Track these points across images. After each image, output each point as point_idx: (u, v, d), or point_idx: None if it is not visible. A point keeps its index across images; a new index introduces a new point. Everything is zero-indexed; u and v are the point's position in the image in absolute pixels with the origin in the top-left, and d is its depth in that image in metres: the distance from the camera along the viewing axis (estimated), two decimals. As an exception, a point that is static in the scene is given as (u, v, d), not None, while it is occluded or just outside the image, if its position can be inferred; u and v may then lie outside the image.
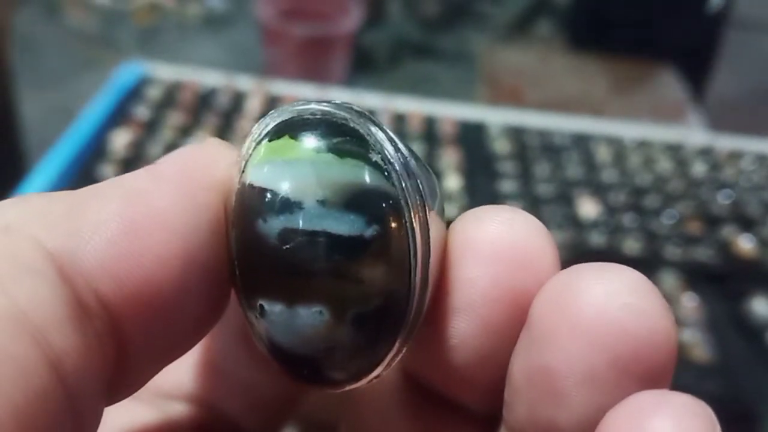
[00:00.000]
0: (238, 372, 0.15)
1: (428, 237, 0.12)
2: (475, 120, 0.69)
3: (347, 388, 0.13)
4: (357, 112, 0.12)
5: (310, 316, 0.12)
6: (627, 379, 0.11)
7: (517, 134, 0.67)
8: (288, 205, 0.12)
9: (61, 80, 1.06)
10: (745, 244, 0.57)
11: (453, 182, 0.60)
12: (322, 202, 0.12)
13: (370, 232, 0.11)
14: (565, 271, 0.11)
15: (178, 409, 0.15)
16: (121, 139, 0.60)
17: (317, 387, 0.13)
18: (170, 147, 0.59)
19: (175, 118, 0.63)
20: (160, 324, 0.11)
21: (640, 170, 0.64)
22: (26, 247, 0.10)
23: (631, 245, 0.56)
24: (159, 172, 0.12)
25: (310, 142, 0.12)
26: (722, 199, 0.62)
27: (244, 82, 0.69)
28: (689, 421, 0.10)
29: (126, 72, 0.69)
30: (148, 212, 0.11)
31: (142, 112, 0.64)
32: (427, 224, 0.12)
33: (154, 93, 0.66)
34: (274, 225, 0.12)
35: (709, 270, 0.55)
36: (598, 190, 0.61)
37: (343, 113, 0.12)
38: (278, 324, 0.12)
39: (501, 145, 0.66)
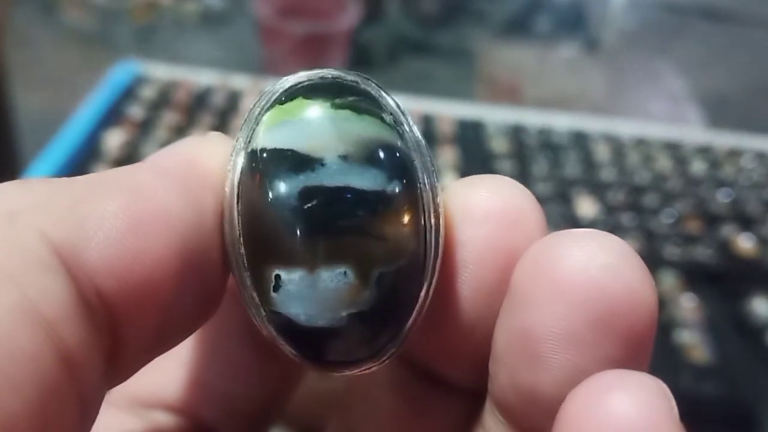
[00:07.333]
0: (219, 382, 0.15)
1: (437, 198, 0.12)
2: (473, 118, 0.69)
3: (363, 368, 0.12)
4: (363, 77, 0.12)
5: (334, 279, 0.11)
6: (606, 339, 0.10)
7: (515, 132, 0.67)
8: (308, 163, 0.11)
9: (57, 79, 1.06)
10: (745, 243, 0.57)
11: (450, 181, 0.60)
12: (344, 157, 0.11)
13: (391, 187, 0.11)
14: (546, 236, 0.12)
15: (161, 419, 0.15)
16: (115, 139, 0.60)
17: (329, 369, 0.12)
18: (164, 147, 0.58)
19: (169, 118, 0.63)
20: (155, 319, 0.11)
21: (639, 168, 0.64)
22: (34, 239, 0.10)
23: (630, 244, 0.55)
24: (161, 167, 0.12)
25: (326, 99, 0.12)
26: (722, 198, 0.62)
27: (239, 81, 0.69)
28: (646, 398, 0.09)
29: (120, 71, 0.68)
30: (151, 210, 0.11)
31: (136, 111, 0.63)
32: (436, 186, 0.12)
33: (148, 92, 0.66)
34: (294, 185, 0.11)
35: (708, 269, 0.54)
36: (597, 188, 0.61)
37: (352, 77, 0.12)
38: (296, 294, 0.11)
39: (499, 144, 0.65)
